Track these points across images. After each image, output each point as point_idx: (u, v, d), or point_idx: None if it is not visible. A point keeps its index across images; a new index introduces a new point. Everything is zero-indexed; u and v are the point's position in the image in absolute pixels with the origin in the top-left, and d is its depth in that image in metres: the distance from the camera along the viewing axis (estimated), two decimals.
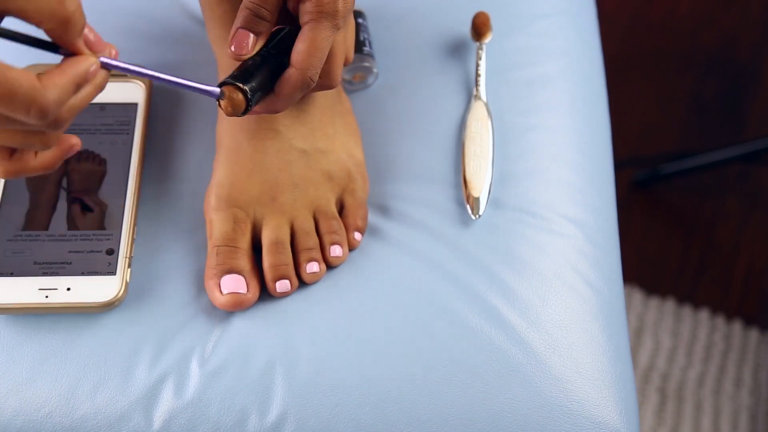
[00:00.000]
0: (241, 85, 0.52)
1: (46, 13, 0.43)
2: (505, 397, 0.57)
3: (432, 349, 0.58)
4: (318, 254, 0.61)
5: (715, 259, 1.28)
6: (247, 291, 0.59)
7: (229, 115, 0.52)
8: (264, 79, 0.53)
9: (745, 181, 1.34)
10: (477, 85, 0.69)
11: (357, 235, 0.62)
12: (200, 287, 0.61)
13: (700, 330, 1.21)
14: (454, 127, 0.68)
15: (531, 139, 0.68)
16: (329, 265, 0.61)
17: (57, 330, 0.58)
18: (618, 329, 0.63)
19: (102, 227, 0.60)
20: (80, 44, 0.46)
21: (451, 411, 0.57)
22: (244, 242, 0.60)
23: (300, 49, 0.53)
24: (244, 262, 0.60)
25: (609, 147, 0.73)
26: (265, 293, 0.60)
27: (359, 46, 0.69)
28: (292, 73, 0.53)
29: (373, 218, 0.64)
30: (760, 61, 1.45)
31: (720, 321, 1.22)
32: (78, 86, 0.46)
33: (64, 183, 0.62)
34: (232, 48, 0.53)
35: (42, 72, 0.44)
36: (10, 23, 0.46)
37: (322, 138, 0.63)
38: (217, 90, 0.52)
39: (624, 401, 0.59)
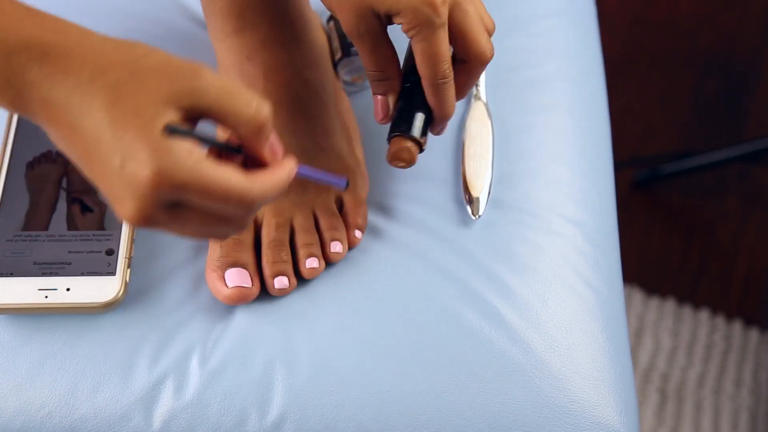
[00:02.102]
0: (408, 135, 0.56)
1: (243, 119, 0.46)
2: (505, 398, 0.57)
3: (432, 349, 0.58)
4: (317, 250, 0.61)
5: (715, 259, 1.28)
6: (252, 285, 0.59)
7: (408, 166, 0.57)
8: (417, 109, 0.56)
9: (745, 181, 1.34)
10: (477, 85, 0.69)
11: (357, 233, 0.62)
12: (200, 287, 0.60)
13: (700, 330, 1.21)
14: (454, 127, 0.68)
15: (531, 140, 0.68)
16: (329, 261, 0.61)
17: (57, 330, 0.58)
18: (618, 329, 0.63)
19: (102, 227, 0.60)
20: (266, 150, 0.48)
21: (451, 411, 0.57)
22: (248, 237, 0.60)
23: (425, 67, 0.55)
24: (248, 256, 0.59)
25: (609, 147, 0.73)
26: (265, 293, 0.60)
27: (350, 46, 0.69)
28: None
29: (373, 218, 0.64)
30: (760, 61, 1.45)
31: (720, 321, 1.22)
32: (281, 189, 0.48)
33: (64, 183, 0.62)
34: (378, 119, 0.58)
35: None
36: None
37: (322, 134, 0.63)
38: (344, 182, 0.53)
39: (624, 402, 0.59)
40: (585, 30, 0.78)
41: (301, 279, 0.61)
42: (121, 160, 0.43)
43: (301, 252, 0.60)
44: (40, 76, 0.44)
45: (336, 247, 0.61)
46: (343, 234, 0.62)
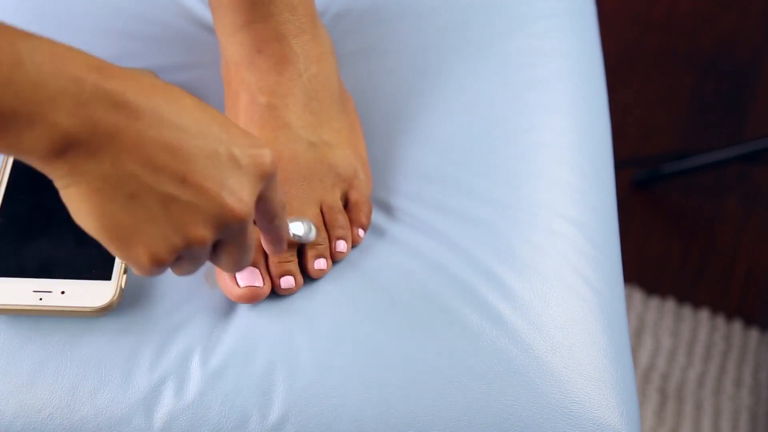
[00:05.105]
0: None
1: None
2: (506, 399, 0.57)
3: (433, 350, 0.58)
4: (326, 250, 0.61)
5: (715, 259, 1.28)
6: (263, 284, 0.59)
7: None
8: None
9: (745, 181, 1.34)
10: None
11: (360, 232, 0.62)
12: (200, 287, 0.60)
13: (700, 330, 1.21)
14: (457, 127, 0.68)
15: (531, 140, 0.68)
16: (333, 260, 0.61)
17: (57, 332, 0.58)
18: (619, 330, 0.63)
19: None
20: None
21: (452, 412, 0.57)
22: (256, 235, 0.60)
23: None
24: (258, 255, 0.59)
25: (609, 147, 0.73)
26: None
27: None
28: None
29: (374, 217, 0.64)
30: (760, 61, 1.45)
31: (720, 321, 1.22)
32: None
33: None
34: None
35: None
36: None
37: (329, 131, 0.63)
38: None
39: (625, 402, 0.59)
40: (585, 30, 0.78)
41: (306, 275, 0.61)
42: (240, 149, 0.46)
43: (310, 252, 0.60)
44: (120, 87, 0.43)
45: (341, 247, 0.61)
46: (348, 232, 0.62)
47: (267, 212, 0.51)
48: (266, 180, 0.48)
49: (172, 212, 0.44)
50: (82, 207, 0.44)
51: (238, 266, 0.51)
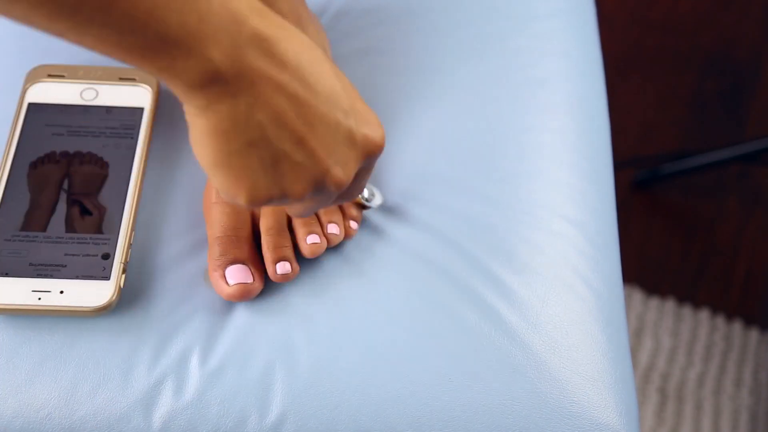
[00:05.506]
0: None
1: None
2: (505, 399, 0.57)
3: (432, 349, 0.58)
4: (318, 228, 0.60)
5: (715, 259, 1.28)
6: (254, 280, 0.59)
7: None
8: None
9: (745, 181, 1.34)
10: None
11: (353, 224, 0.62)
12: (198, 287, 0.61)
13: (700, 330, 1.21)
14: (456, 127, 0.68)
15: (531, 140, 0.68)
16: (327, 243, 0.61)
17: (56, 331, 0.58)
18: (618, 330, 0.63)
19: (100, 231, 0.60)
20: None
21: (451, 412, 0.57)
22: (245, 231, 0.60)
23: None
24: (247, 250, 0.59)
25: (609, 147, 0.73)
26: (266, 291, 0.60)
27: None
28: None
29: (374, 217, 0.64)
30: (760, 61, 1.45)
31: (720, 321, 1.22)
32: None
33: (65, 184, 0.62)
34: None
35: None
36: None
37: None
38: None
39: (624, 402, 0.59)
40: (585, 30, 0.78)
41: (302, 258, 0.60)
42: (358, 125, 0.48)
43: (301, 231, 0.60)
44: (275, 37, 0.45)
45: (333, 229, 0.61)
46: (339, 218, 0.61)
47: (355, 182, 0.53)
48: (370, 159, 0.51)
49: (280, 167, 0.47)
50: (203, 139, 0.46)
51: (307, 214, 0.55)
